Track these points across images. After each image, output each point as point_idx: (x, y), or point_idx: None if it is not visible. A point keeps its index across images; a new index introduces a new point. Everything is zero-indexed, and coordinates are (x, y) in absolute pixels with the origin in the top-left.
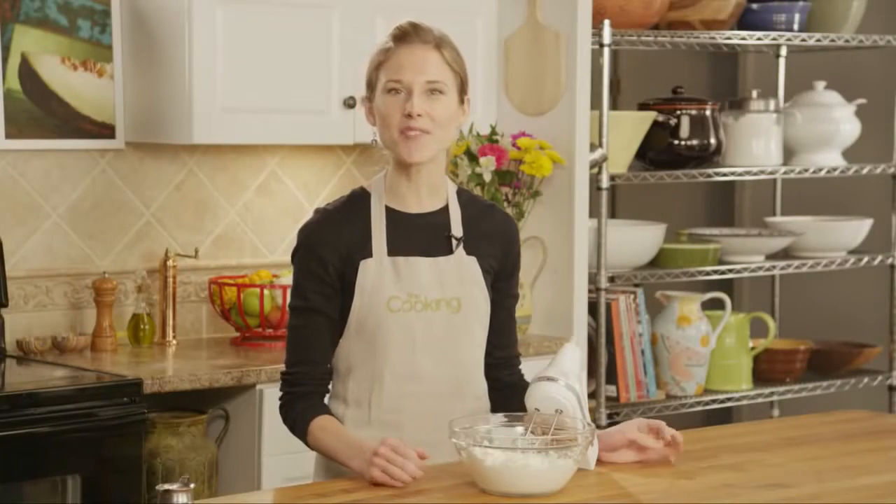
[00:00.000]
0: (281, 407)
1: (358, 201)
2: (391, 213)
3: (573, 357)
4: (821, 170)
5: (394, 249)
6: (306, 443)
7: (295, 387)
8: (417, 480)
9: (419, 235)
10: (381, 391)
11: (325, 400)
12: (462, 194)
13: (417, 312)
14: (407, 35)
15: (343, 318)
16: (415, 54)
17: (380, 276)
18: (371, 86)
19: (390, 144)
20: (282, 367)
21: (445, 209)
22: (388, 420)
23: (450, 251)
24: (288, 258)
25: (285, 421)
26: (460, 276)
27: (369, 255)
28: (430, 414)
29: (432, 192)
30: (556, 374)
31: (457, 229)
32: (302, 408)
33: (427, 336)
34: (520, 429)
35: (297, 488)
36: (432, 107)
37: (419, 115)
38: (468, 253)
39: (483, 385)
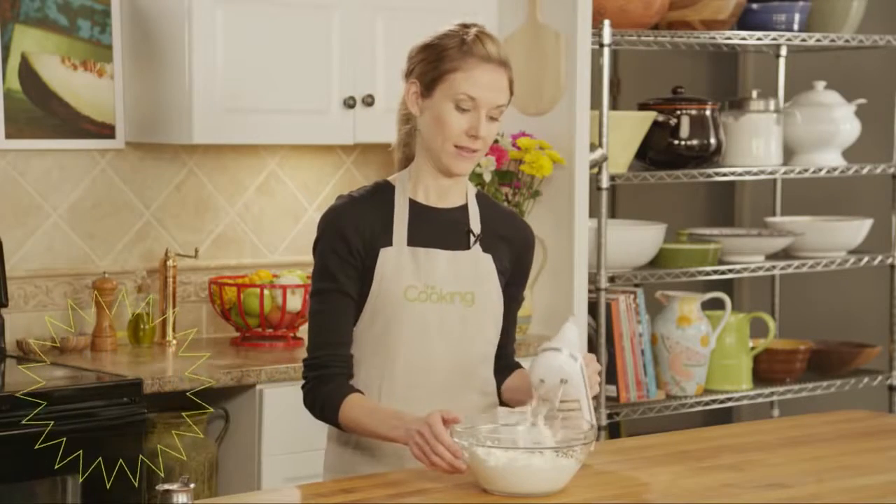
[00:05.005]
0: (306, 394)
1: (382, 191)
2: (413, 206)
3: (573, 333)
4: (821, 170)
5: (414, 240)
6: (337, 424)
7: (320, 370)
8: (427, 472)
9: (439, 229)
10: (393, 381)
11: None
12: (482, 197)
13: (433, 303)
14: (490, 53)
15: (359, 305)
16: (494, 75)
17: (399, 264)
18: (431, 80)
19: (437, 151)
20: (281, 366)
21: (465, 207)
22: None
23: (467, 246)
24: (288, 258)
25: (312, 408)
26: (476, 271)
27: (389, 243)
28: (442, 406)
29: (455, 190)
30: (559, 344)
31: (475, 226)
32: (329, 390)
33: (441, 327)
34: (521, 428)
35: (297, 488)
36: (490, 129)
37: (480, 138)
38: (484, 250)
39: (492, 381)
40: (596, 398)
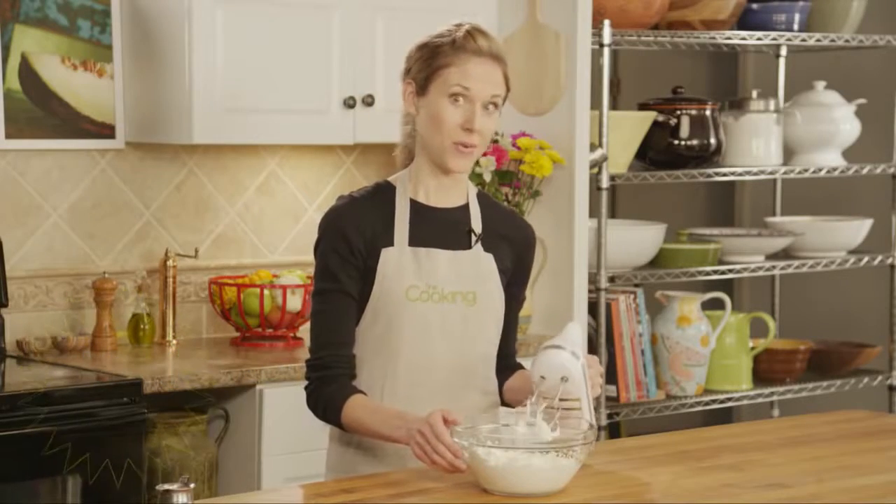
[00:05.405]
0: (309, 395)
1: (383, 191)
2: (414, 206)
3: (576, 333)
4: (821, 170)
5: (415, 240)
6: (340, 424)
7: (323, 370)
8: (428, 472)
9: (440, 229)
10: (396, 381)
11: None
12: (483, 197)
13: (434, 303)
14: (481, 47)
15: (361, 305)
16: (486, 67)
17: (400, 264)
18: (426, 77)
19: (436, 148)
20: (281, 366)
21: (466, 207)
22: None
23: (468, 246)
24: (288, 258)
25: (315, 409)
26: (477, 270)
27: (391, 243)
28: (443, 406)
29: (456, 190)
30: (562, 342)
31: (476, 226)
32: (331, 390)
33: (443, 327)
34: (521, 427)
35: (297, 488)
36: (486, 122)
37: (476, 131)
38: (486, 250)
39: (494, 381)
40: (596, 399)
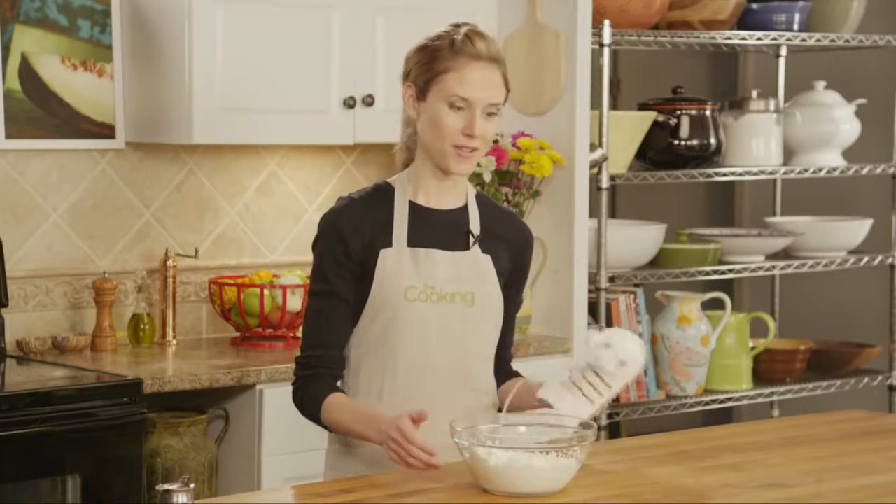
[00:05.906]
0: (294, 392)
1: (382, 193)
2: (413, 207)
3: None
4: (821, 170)
5: (414, 241)
6: (320, 422)
7: (309, 369)
8: (426, 473)
9: (439, 230)
10: (395, 381)
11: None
12: (482, 198)
13: (433, 303)
14: (480, 51)
15: (360, 305)
16: (485, 72)
17: (399, 265)
18: (425, 82)
19: (437, 152)
20: (281, 366)
21: (465, 208)
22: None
23: (467, 247)
24: (288, 258)
25: (299, 406)
26: (476, 271)
27: (389, 244)
28: (442, 406)
29: (455, 192)
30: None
31: (475, 227)
32: (314, 389)
33: (441, 327)
34: (522, 428)
35: (297, 488)
36: (487, 126)
37: (477, 136)
38: (484, 251)
39: (492, 381)
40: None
